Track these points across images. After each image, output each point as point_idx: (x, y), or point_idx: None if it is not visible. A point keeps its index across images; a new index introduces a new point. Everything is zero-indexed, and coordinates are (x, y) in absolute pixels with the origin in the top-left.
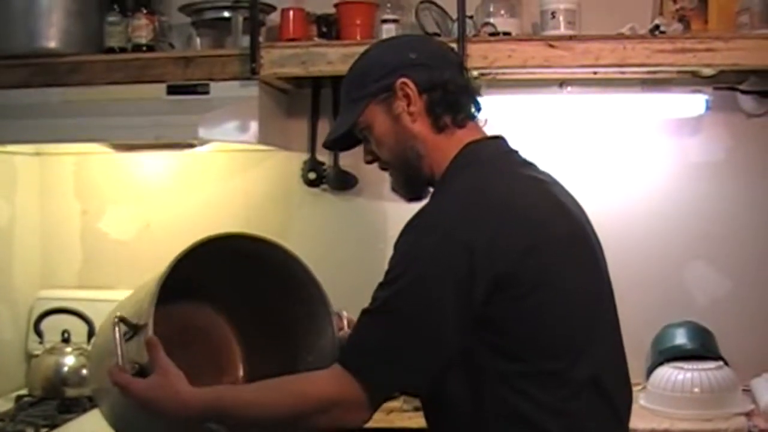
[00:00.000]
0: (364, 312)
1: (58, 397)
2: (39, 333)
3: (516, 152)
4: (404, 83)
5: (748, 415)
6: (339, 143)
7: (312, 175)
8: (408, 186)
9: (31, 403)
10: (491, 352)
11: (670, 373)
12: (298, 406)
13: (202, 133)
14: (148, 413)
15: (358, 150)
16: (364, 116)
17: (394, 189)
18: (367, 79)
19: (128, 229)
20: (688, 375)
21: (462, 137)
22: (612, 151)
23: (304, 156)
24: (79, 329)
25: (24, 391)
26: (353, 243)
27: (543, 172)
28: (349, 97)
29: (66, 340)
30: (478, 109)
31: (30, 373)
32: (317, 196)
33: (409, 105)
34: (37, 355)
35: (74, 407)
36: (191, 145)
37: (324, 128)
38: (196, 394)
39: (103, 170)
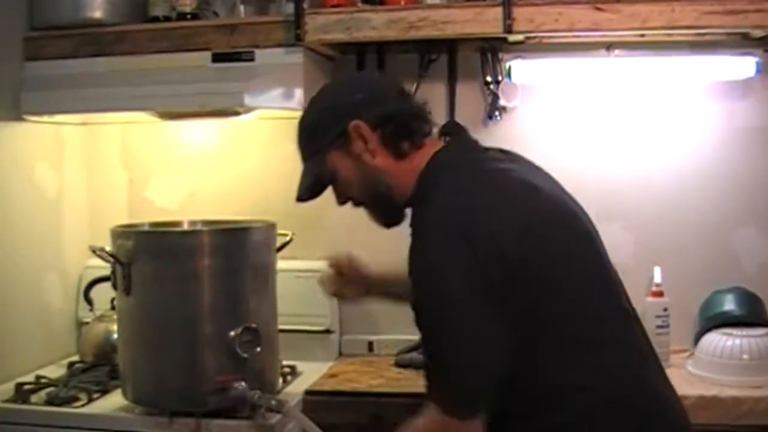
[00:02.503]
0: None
1: (108, 363)
2: (89, 301)
3: (478, 147)
4: (356, 126)
5: None
6: (312, 196)
7: None
8: (385, 216)
9: (83, 369)
10: (518, 331)
11: (718, 340)
12: None
13: (248, 100)
14: None
15: None
16: (328, 165)
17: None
18: (321, 130)
19: (174, 197)
20: (737, 341)
21: (425, 154)
22: (659, 114)
23: None
24: None
25: (75, 358)
26: None
27: (511, 158)
28: (308, 151)
29: (115, 308)
30: (430, 128)
31: (81, 340)
32: None
33: (366, 144)
34: (87, 323)
35: None
36: (236, 113)
37: None
38: None
39: (149, 139)
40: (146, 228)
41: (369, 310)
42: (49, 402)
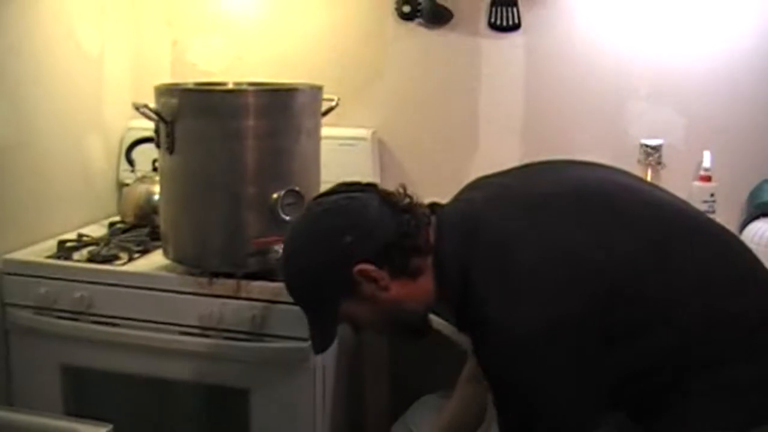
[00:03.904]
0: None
1: (149, 224)
2: (130, 161)
3: (473, 192)
4: (361, 270)
5: None
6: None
7: (406, 9)
8: (415, 336)
9: (124, 229)
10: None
11: (765, 228)
12: None
13: None
14: None
15: None
16: (342, 316)
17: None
18: (323, 287)
19: (218, 60)
20: None
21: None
22: (701, 2)
23: None
24: None
25: (116, 218)
26: (447, 78)
27: (507, 173)
28: (314, 307)
29: (156, 169)
30: (428, 221)
31: (122, 201)
32: (411, 30)
33: (378, 283)
34: (128, 184)
35: None
36: None
37: None
38: None
39: (195, 0)
40: (191, 86)
41: (409, 176)
42: (91, 259)
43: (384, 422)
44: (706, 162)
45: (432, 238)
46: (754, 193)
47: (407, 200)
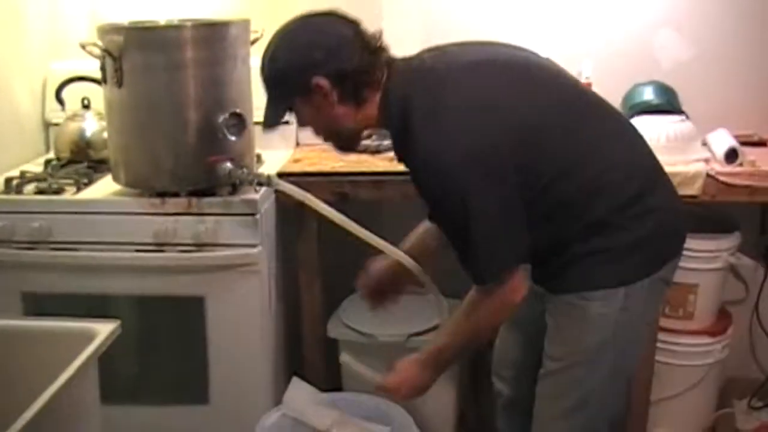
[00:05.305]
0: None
1: (85, 159)
2: (61, 101)
3: (424, 54)
4: (317, 84)
5: (706, 161)
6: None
7: None
8: (343, 148)
9: (62, 165)
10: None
11: (638, 125)
12: (481, 331)
13: None
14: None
15: None
16: (293, 108)
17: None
18: (286, 81)
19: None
20: (654, 126)
21: (380, 86)
22: None
23: None
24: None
25: (50, 156)
26: None
27: (446, 48)
28: (274, 92)
29: (87, 107)
30: (389, 60)
31: (56, 139)
32: None
33: (327, 98)
34: (57, 124)
35: (102, 167)
36: None
37: None
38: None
39: None
40: (131, 24)
41: None
42: (41, 192)
43: (319, 320)
44: (587, 70)
45: (383, 78)
46: (628, 96)
47: (378, 44)
